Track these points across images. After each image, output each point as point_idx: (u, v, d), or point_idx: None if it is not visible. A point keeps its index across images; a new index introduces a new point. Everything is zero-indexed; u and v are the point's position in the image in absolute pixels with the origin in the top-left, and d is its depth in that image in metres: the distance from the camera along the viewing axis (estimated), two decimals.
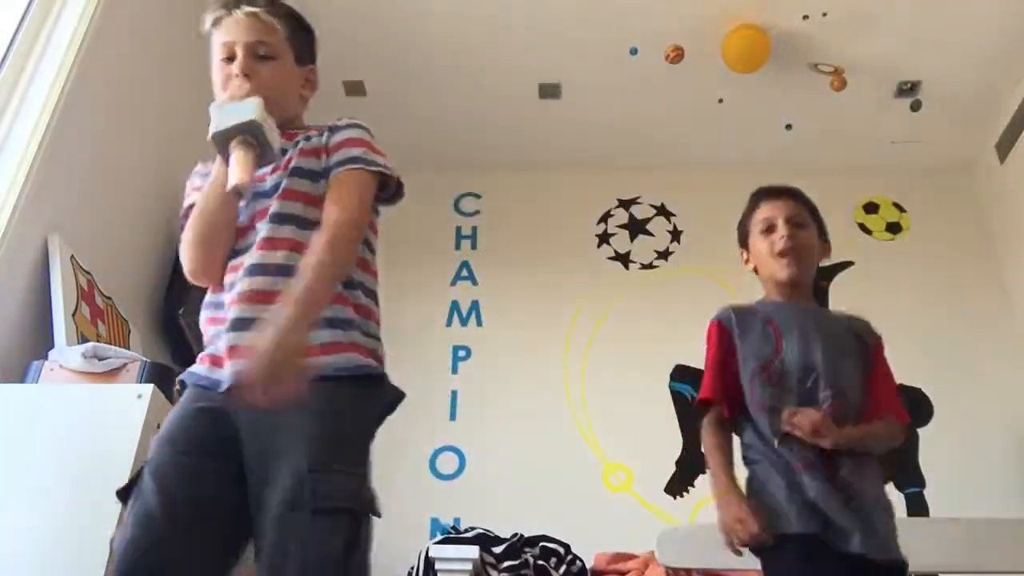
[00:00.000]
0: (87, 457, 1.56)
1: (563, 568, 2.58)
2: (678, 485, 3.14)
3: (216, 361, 1.29)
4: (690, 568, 2.39)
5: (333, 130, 1.45)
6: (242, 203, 1.36)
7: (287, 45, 1.46)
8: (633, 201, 3.79)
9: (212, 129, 1.29)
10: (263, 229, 1.32)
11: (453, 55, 3.28)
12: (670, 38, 3.14)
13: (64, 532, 1.48)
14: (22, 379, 1.80)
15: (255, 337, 1.17)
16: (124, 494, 1.20)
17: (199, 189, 1.42)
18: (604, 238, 3.72)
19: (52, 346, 1.89)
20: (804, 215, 1.73)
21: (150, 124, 2.58)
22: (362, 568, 1.18)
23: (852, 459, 1.54)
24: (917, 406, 3.27)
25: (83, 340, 1.93)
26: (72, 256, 2.08)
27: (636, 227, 3.74)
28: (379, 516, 1.21)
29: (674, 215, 3.74)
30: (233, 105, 1.32)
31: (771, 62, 3.15)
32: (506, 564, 2.52)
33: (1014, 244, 3.44)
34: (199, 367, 1.31)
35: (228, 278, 1.33)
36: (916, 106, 3.36)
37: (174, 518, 1.16)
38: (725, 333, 1.71)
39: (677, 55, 3.15)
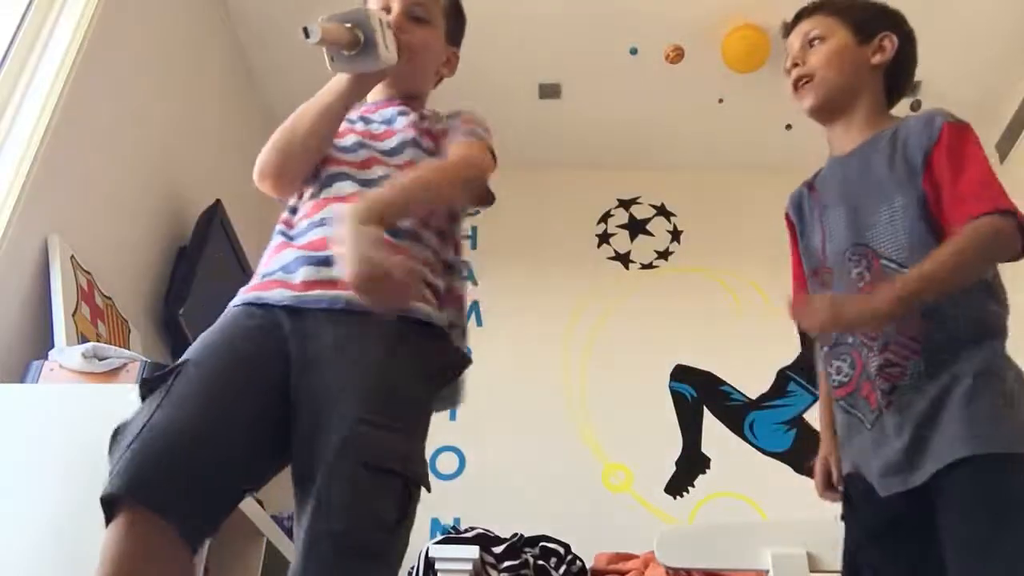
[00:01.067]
0: (87, 457, 1.55)
1: (563, 568, 2.58)
2: (678, 485, 3.15)
3: (284, 285, 1.21)
4: (690, 568, 2.39)
5: (451, 116, 1.45)
6: (351, 131, 1.35)
7: (443, 17, 1.46)
8: (633, 201, 3.79)
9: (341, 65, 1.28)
10: (377, 178, 1.27)
11: None
12: (670, 38, 3.15)
13: (64, 532, 1.48)
14: (22, 379, 1.80)
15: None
16: (150, 387, 1.13)
17: None
18: (604, 238, 3.72)
19: (52, 346, 1.89)
20: (825, 25, 1.43)
21: (150, 124, 2.58)
22: (406, 544, 1.11)
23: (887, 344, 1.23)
24: None
25: (83, 340, 1.93)
26: (72, 256, 2.08)
27: (636, 227, 3.74)
28: (428, 490, 1.16)
29: (674, 215, 3.74)
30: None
31: (771, 62, 3.15)
32: (506, 564, 2.52)
33: None
34: (253, 292, 1.24)
35: (321, 211, 1.25)
36: (916, 106, 3.36)
37: (216, 414, 1.08)
38: (791, 228, 1.52)
39: (677, 55, 3.15)
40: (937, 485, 1.16)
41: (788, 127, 3.46)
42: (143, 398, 1.14)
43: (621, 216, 3.77)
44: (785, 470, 3.16)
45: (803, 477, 3.15)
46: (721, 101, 3.37)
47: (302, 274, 1.21)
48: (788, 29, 1.51)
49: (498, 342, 3.44)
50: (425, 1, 1.41)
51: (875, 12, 1.45)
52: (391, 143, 1.35)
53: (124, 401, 1.62)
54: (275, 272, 1.25)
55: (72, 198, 2.16)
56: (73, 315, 1.97)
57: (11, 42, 2.10)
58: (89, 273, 2.14)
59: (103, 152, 2.31)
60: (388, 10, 1.38)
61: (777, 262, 3.54)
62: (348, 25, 1.26)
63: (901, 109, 3.56)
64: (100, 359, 1.78)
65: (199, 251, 2.65)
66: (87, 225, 2.22)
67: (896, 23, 1.44)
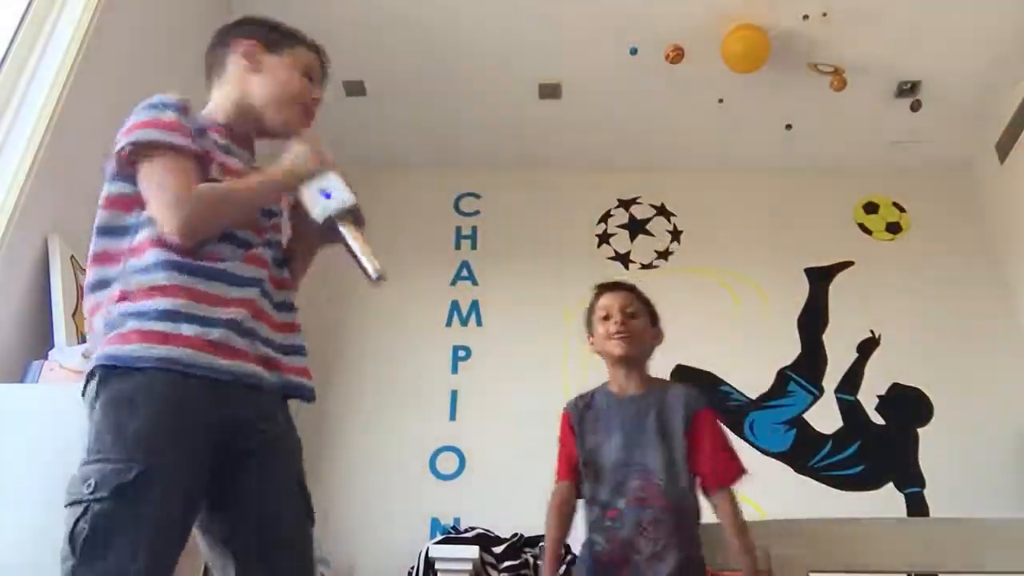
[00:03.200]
0: None
1: (563, 568, 2.58)
2: None
3: (236, 355, 1.24)
4: None
5: None
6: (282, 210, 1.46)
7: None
8: (633, 201, 3.79)
9: (333, 209, 1.36)
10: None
11: (453, 55, 3.28)
12: (670, 38, 3.15)
13: (63, 532, 1.48)
14: (22, 379, 1.80)
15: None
16: (119, 492, 1.12)
17: (174, 128, 1.33)
18: (604, 238, 3.72)
19: (52, 346, 1.89)
20: (636, 306, 1.97)
21: None
22: None
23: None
24: (917, 406, 3.27)
25: (83, 340, 1.94)
26: (72, 256, 2.08)
27: (636, 227, 3.74)
28: None
29: (674, 215, 3.74)
30: (332, 183, 1.39)
31: (771, 62, 3.16)
32: (506, 564, 2.52)
33: (1014, 244, 3.44)
34: (206, 356, 1.21)
35: (249, 270, 1.31)
36: (916, 106, 3.36)
37: (187, 526, 1.19)
38: (571, 432, 1.95)
39: (677, 55, 3.15)
40: None
41: (788, 127, 3.47)
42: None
43: (621, 216, 3.77)
44: (785, 470, 3.16)
45: (803, 477, 3.16)
46: (721, 101, 3.37)
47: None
48: (606, 290, 2.03)
49: (498, 342, 3.44)
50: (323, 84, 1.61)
51: (654, 309, 2.03)
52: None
53: None
54: None
55: (72, 198, 2.16)
56: (73, 315, 1.97)
57: (11, 42, 2.10)
58: None
59: (103, 152, 2.31)
60: (316, 81, 1.57)
61: (777, 262, 3.57)
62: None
63: (901, 109, 3.57)
64: None
65: None
66: (87, 225, 2.21)
67: (659, 319, 2.02)
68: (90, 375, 1.24)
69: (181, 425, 1.18)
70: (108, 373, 1.21)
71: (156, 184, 1.29)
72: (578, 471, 1.87)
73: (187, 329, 1.21)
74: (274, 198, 1.40)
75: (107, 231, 1.32)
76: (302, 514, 1.29)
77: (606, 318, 1.97)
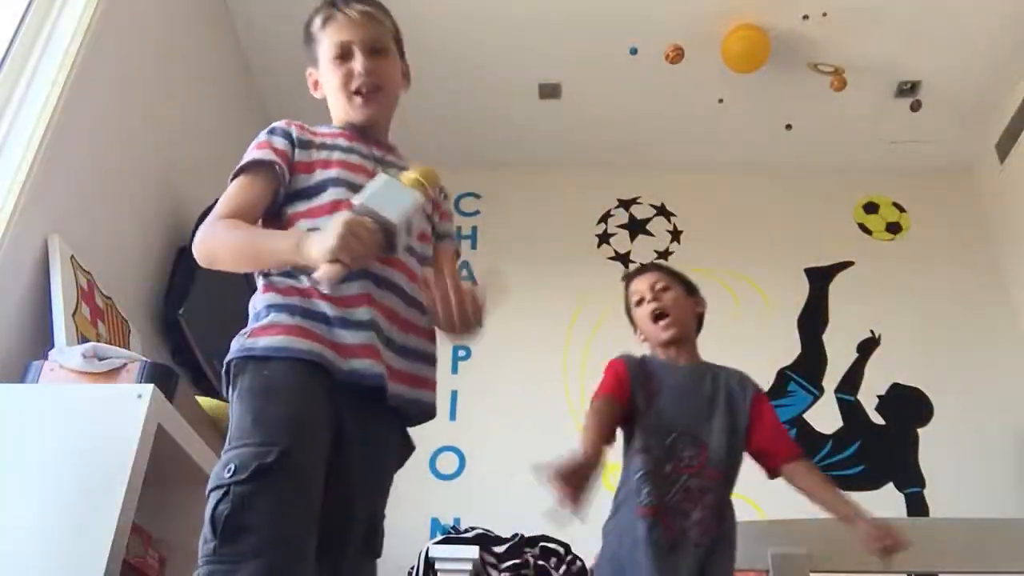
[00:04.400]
0: (87, 457, 1.56)
1: (563, 568, 2.58)
2: None
3: (343, 351, 1.26)
4: None
5: (444, 194, 1.60)
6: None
7: (393, 41, 1.53)
8: (633, 201, 3.79)
9: (362, 198, 1.25)
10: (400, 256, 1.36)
11: (453, 55, 3.28)
12: (670, 38, 3.15)
13: (64, 532, 1.48)
14: (22, 379, 1.80)
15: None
16: (260, 473, 1.13)
17: (280, 152, 1.39)
18: (604, 238, 3.72)
19: (52, 346, 1.88)
20: (667, 280, 1.94)
21: (150, 124, 2.58)
22: None
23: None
24: (917, 406, 3.27)
25: (83, 340, 1.93)
26: (72, 256, 2.08)
27: (636, 227, 3.74)
28: None
29: (674, 215, 3.74)
30: (395, 188, 1.29)
31: (771, 62, 3.15)
32: (506, 564, 2.52)
33: (1014, 244, 3.44)
34: (315, 345, 1.24)
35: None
36: (916, 106, 3.36)
37: (314, 514, 1.18)
38: (628, 374, 1.85)
39: (677, 55, 3.15)
40: None
41: (788, 127, 3.47)
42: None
43: (621, 216, 3.77)
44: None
45: None
46: (721, 101, 3.37)
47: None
48: (632, 277, 2.00)
49: (498, 342, 3.44)
50: (378, 35, 1.49)
51: (690, 280, 2.00)
52: None
53: (124, 401, 1.62)
54: None
55: (72, 198, 2.16)
56: (73, 315, 1.97)
57: (11, 42, 2.10)
58: (89, 273, 2.14)
59: (103, 152, 2.31)
60: (346, 55, 1.46)
61: (777, 262, 3.57)
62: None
63: (901, 109, 3.57)
64: (100, 359, 1.78)
65: None
66: (87, 225, 2.22)
67: (698, 289, 2.00)
68: (229, 366, 1.29)
69: (315, 411, 1.22)
70: (246, 363, 1.25)
71: None
72: (627, 399, 1.79)
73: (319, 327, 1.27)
74: (273, 263, 1.32)
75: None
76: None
77: (640, 302, 1.93)
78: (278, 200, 1.38)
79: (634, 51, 3.16)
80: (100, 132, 2.28)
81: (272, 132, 1.44)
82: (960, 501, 3.00)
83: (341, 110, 1.51)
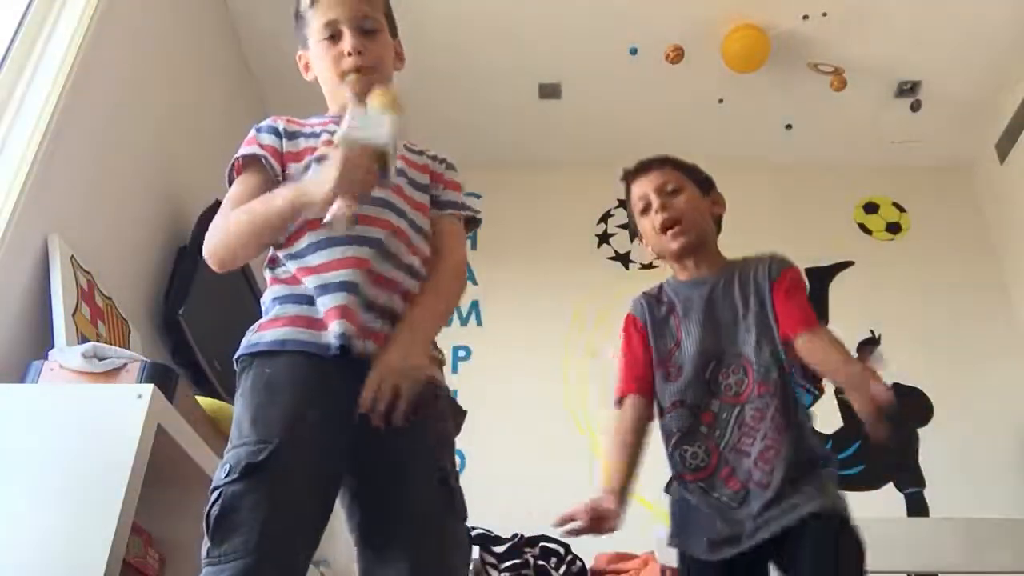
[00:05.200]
0: (87, 457, 1.55)
1: (563, 568, 2.58)
2: None
3: (313, 324, 1.23)
4: None
5: (446, 165, 1.55)
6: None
7: (383, 17, 1.48)
8: None
9: (342, 132, 1.24)
10: (378, 211, 1.31)
11: (453, 55, 3.28)
12: (670, 38, 3.15)
13: (64, 532, 1.48)
14: (22, 379, 1.80)
15: (396, 349, 1.21)
16: (250, 470, 1.12)
17: (267, 148, 1.38)
18: (604, 238, 3.72)
19: (52, 346, 1.88)
20: (677, 179, 1.66)
21: (150, 124, 2.58)
22: None
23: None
24: (917, 406, 3.27)
25: (83, 340, 1.93)
26: (72, 256, 2.08)
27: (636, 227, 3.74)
28: None
29: None
30: (371, 115, 1.27)
31: (771, 62, 3.16)
32: (506, 564, 2.52)
33: (1014, 244, 3.44)
34: (293, 331, 1.22)
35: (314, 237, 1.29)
36: (916, 106, 3.36)
37: (311, 512, 1.16)
38: (643, 329, 1.67)
39: (677, 55, 3.15)
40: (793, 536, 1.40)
41: (788, 127, 3.47)
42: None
43: (621, 216, 3.77)
44: None
45: None
46: (721, 101, 3.37)
47: None
48: (632, 176, 1.72)
49: (498, 342, 3.44)
50: (369, 13, 1.43)
51: (704, 174, 1.74)
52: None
53: (124, 401, 1.62)
54: None
55: (72, 198, 2.16)
56: (73, 315, 1.97)
57: (11, 42, 2.10)
58: (89, 273, 2.14)
59: (103, 152, 2.31)
60: (336, 36, 1.41)
61: None
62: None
63: (901, 109, 3.57)
64: (100, 359, 1.77)
65: (199, 251, 2.64)
66: (87, 225, 2.22)
67: (715, 184, 1.75)
68: (237, 362, 1.27)
69: (318, 403, 1.19)
70: (251, 360, 1.23)
71: None
72: (648, 380, 1.60)
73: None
74: (279, 222, 1.30)
75: None
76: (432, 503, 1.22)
77: (645, 210, 1.65)
78: None
79: (634, 51, 3.16)
80: (100, 132, 2.28)
81: (259, 130, 1.42)
82: (960, 501, 2.99)
83: (332, 93, 1.47)
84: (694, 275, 1.64)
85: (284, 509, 1.11)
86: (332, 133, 1.35)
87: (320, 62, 1.44)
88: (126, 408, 1.61)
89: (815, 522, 1.39)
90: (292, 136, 1.41)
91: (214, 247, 1.34)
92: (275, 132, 1.41)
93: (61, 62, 2.12)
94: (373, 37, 1.43)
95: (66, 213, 2.12)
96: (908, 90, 3.40)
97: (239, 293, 3.04)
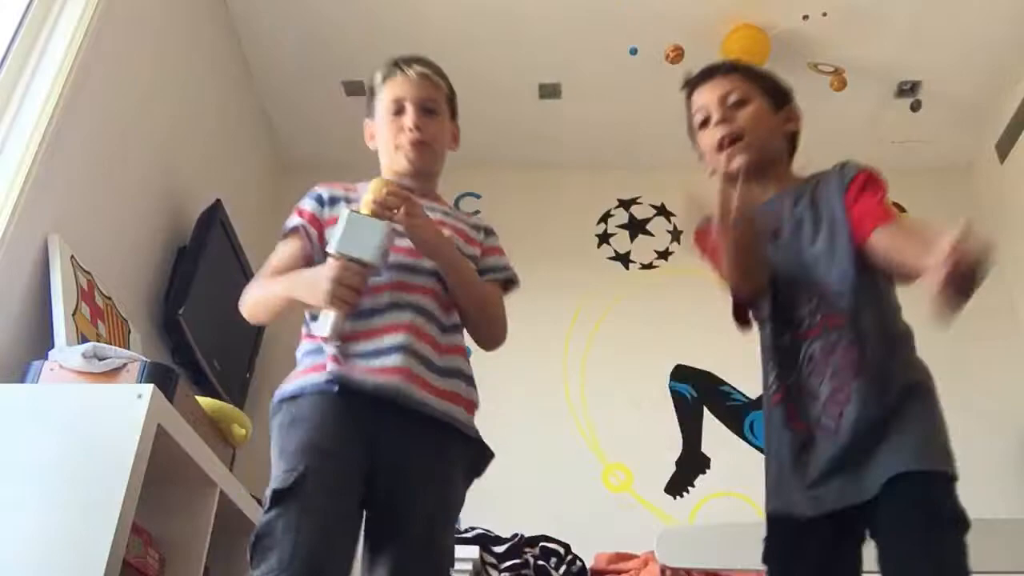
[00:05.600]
0: (87, 457, 1.56)
1: (563, 568, 2.58)
2: (678, 485, 3.14)
3: (353, 367, 1.35)
4: (690, 568, 2.39)
5: (486, 232, 1.69)
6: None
7: (446, 103, 1.68)
8: (633, 201, 3.79)
9: (336, 243, 1.34)
10: (419, 280, 1.45)
11: (453, 55, 3.27)
12: (670, 38, 3.14)
13: (64, 532, 1.48)
14: (22, 379, 1.80)
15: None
16: (280, 496, 1.23)
17: (306, 215, 1.52)
18: (604, 238, 3.72)
19: (52, 346, 1.89)
20: (744, 89, 1.49)
21: (150, 124, 2.58)
22: None
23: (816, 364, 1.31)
24: None
25: (83, 340, 1.93)
26: (72, 256, 2.08)
27: (636, 227, 3.74)
28: None
29: (674, 215, 3.74)
30: (365, 222, 1.36)
31: (771, 62, 3.15)
32: (506, 564, 2.52)
33: (1014, 244, 3.44)
34: (314, 375, 1.36)
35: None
36: (916, 106, 3.36)
37: (342, 532, 1.26)
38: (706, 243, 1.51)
39: (677, 55, 3.15)
40: (883, 496, 1.20)
41: None
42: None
43: (621, 216, 3.77)
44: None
45: None
46: None
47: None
48: (695, 84, 1.54)
49: None
50: (433, 95, 1.62)
51: (779, 84, 1.57)
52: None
53: (124, 401, 1.62)
54: None
55: (72, 198, 2.16)
56: (73, 315, 1.97)
57: (11, 42, 2.10)
58: (89, 273, 2.14)
59: (103, 152, 2.31)
60: (401, 111, 1.58)
61: None
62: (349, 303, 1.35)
63: (901, 109, 3.56)
64: (100, 359, 1.78)
65: (199, 251, 2.65)
66: (87, 225, 2.22)
67: (792, 97, 1.59)
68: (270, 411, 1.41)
69: (336, 434, 1.31)
70: (280, 405, 1.37)
71: None
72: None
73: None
74: (283, 305, 1.45)
75: None
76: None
77: (705, 123, 1.48)
78: (316, 256, 1.49)
79: (634, 51, 3.16)
80: (100, 132, 2.28)
81: (306, 197, 1.57)
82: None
83: (388, 161, 1.62)
84: (760, 197, 1.43)
85: (314, 527, 1.20)
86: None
87: (383, 132, 1.61)
88: (126, 408, 1.61)
89: (901, 486, 1.18)
90: (333, 202, 1.54)
91: (244, 305, 1.50)
92: (318, 199, 1.55)
93: (61, 62, 2.12)
94: (433, 117, 1.61)
95: (66, 213, 2.12)
96: (908, 90, 3.40)
97: (239, 293, 3.04)
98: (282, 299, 1.42)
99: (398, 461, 1.33)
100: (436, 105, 1.62)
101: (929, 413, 1.33)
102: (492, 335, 1.60)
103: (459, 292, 1.49)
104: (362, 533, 1.34)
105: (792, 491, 1.31)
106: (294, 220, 1.53)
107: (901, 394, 1.30)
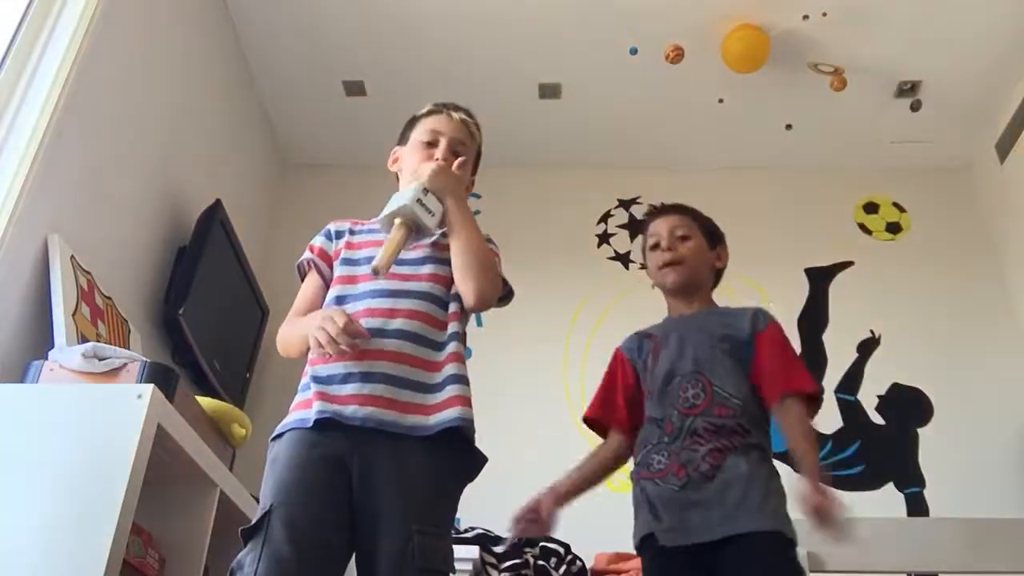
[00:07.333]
0: (87, 457, 1.56)
1: (563, 568, 2.58)
2: None
3: (332, 399, 1.41)
4: None
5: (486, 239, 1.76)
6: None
7: (473, 153, 1.77)
8: (633, 201, 3.79)
9: (383, 213, 1.51)
10: (404, 302, 1.52)
11: (453, 55, 3.28)
12: (670, 38, 3.14)
13: (64, 532, 1.48)
14: (22, 379, 1.80)
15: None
16: (249, 534, 1.29)
17: (316, 251, 1.65)
18: (604, 238, 3.72)
19: (52, 346, 1.89)
20: (688, 227, 1.84)
21: (150, 124, 2.58)
22: None
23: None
24: (917, 406, 3.27)
25: (83, 340, 1.93)
26: (72, 256, 2.08)
27: (636, 227, 3.74)
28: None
29: None
30: (402, 191, 1.55)
31: (771, 62, 3.15)
32: (506, 564, 2.52)
33: (1014, 244, 3.44)
34: (305, 411, 1.41)
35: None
36: (916, 106, 3.36)
37: (306, 567, 1.28)
38: (628, 364, 1.82)
39: (677, 55, 3.15)
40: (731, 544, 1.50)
41: (788, 127, 3.47)
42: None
43: (621, 216, 3.77)
44: (785, 470, 3.15)
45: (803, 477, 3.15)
46: (721, 101, 3.36)
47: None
48: (654, 215, 1.91)
49: (498, 342, 3.44)
50: (467, 141, 1.73)
51: (716, 228, 1.90)
52: (414, 253, 1.61)
53: (124, 401, 1.62)
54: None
55: (72, 198, 2.16)
56: (73, 315, 1.97)
57: (11, 42, 2.10)
58: (89, 273, 2.15)
59: (103, 152, 2.31)
60: (435, 143, 1.69)
61: (777, 262, 3.57)
62: (408, 224, 1.53)
63: (901, 109, 3.56)
64: (100, 359, 1.78)
65: (199, 251, 2.65)
66: (87, 225, 2.22)
67: (724, 239, 1.89)
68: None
69: (310, 469, 1.36)
70: (273, 443, 1.44)
71: None
72: (621, 408, 1.79)
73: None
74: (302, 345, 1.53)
75: None
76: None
77: (655, 247, 1.84)
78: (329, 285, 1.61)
79: (634, 51, 3.16)
80: (100, 132, 2.28)
81: (319, 234, 1.69)
82: (960, 501, 2.99)
83: (406, 186, 1.67)
84: (683, 312, 1.80)
85: (279, 560, 1.25)
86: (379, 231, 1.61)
87: (411, 157, 1.70)
88: (126, 408, 1.61)
89: (756, 539, 1.50)
90: (340, 236, 1.67)
91: (279, 344, 1.59)
92: (327, 235, 1.68)
93: (61, 62, 2.12)
94: (459, 158, 1.69)
95: (66, 213, 2.12)
96: (908, 90, 3.40)
97: (239, 293, 3.04)
98: (303, 338, 1.50)
99: (376, 484, 1.38)
100: (466, 151, 1.71)
101: (781, 493, 1.67)
102: (482, 288, 1.64)
103: (460, 240, 1.58)
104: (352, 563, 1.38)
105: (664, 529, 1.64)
106: (305, 255, 1.66)
107: (765, 474, 1.66)
